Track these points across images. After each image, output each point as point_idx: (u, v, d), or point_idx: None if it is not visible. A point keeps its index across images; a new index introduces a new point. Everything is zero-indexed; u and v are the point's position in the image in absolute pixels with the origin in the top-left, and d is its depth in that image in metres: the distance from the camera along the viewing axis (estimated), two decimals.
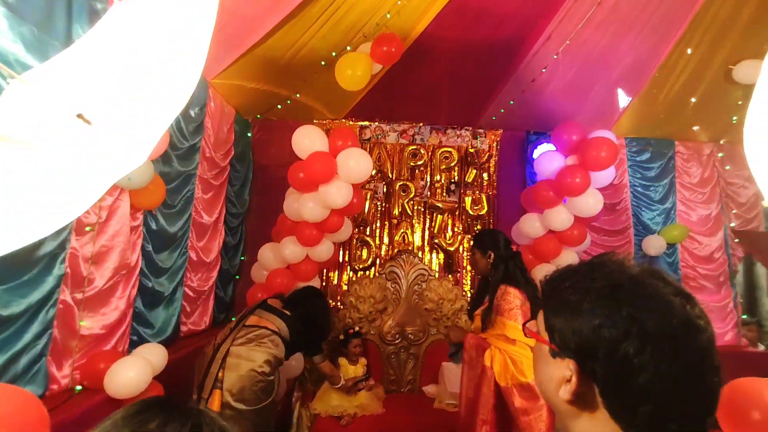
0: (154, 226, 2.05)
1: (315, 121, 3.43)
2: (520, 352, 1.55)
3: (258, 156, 3.45)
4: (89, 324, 1.65)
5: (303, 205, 2.29)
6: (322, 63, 2.80)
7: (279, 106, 3.21)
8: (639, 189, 3.50)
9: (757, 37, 2.67)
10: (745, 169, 3.55)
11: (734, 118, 3.16)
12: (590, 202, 2.49)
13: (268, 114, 3.38)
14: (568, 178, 2.42)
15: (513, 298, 1.63)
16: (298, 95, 3.08)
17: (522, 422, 1.50)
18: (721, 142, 3.56)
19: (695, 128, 3.48)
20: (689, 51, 2.79)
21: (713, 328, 0.46)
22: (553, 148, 2.82)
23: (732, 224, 3.48)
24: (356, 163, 2.25)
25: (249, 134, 3.36)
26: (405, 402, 2.63)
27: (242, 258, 3.33)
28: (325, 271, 3.29)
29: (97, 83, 0.83)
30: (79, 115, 0.65)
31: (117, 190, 1.71)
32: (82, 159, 0.69)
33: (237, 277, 3.28)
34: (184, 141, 2.25)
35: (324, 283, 3.28)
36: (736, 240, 3.45)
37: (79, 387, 1.60)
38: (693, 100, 3.21)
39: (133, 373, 1.52)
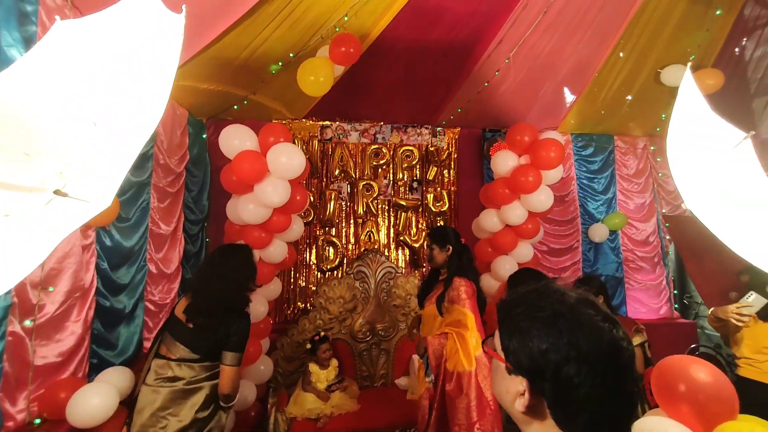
0: (108, 242, 1.94)
1: (274, 120, 3.36)
2: (469, 339, 1.72)
3: (215, 158, 3.32)
4: (43, 353, 1.56)
5: (243, 208, 2.25)
6: (279, 64, 2.74)
7: (236, 107, 3.10)
8: (584, 181, 3.79)
9: (681, 45, 2.97)
10: None
11: (663, 115, 3.50)
12: (542, 199, 2.68)
13: (224, 114, 3.26)
14: (522, 177, 2.58)
15: (467, 289, 1.83)
16: (255, 95, 2.99)
17: (448, 404, 1.67)
18: (651, 134, 3.93)
19: (631, 124, 3.82)
20: (621, 54, 3.04)
21: (633, 347, 0.57)
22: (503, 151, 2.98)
23: (663, 210, 3.88)
24: (288, 159, 2.21)
25: (204, 136, 3.22)
26: (379, 396, 2.72)
27: None
28: (292, 272, 3.27)
29: (55, 117, 0.79)
30: (57, 191, 0.63)
31: None
32: (43, 207, 0.67)
33: None
34: None
35: (291, 286, 3.27)
36: (667, 224, 3.85)
37: (38, 420, 1.51)
38: (629, 98, 3.51)
39: (97, 400, 1.46)
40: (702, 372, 1.22)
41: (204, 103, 3.02)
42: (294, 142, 3.17)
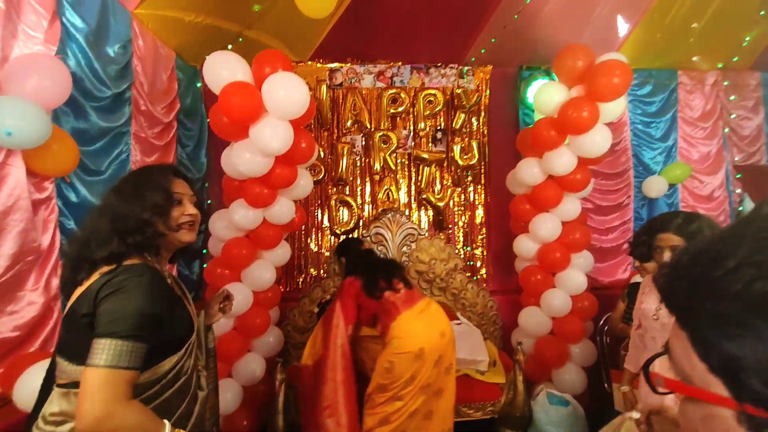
0: (73, 197, 1.63)
1: None
2: None
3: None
4: None
5: (238, 157, 1.88)
6: None
7: (230, 47, 2.67)
8: (639, 126, 3.22)
9: None
10: (749, 99, 3.30)
11: (747, 38, 2.84)
12: (597, 140, 2.18)
13: None
14: (574, 113, 2.09)
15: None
16: (250, 30, 2.56)
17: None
18: (725, 67, 3.26)
19: (694, 59, 3.16)
20: None
21: None
22: (549, 82, 2.46)
23: (736, 159, 3.28)
24: (287, 92, 1.79)
25: (198, 84, 2.84)
26: None
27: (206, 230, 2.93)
28: (303, 236, 2.95)
29: None
30: None
31: (1, 152, 1.27)
32: None
33: (204, 251, 2.91)
34: (104, 88, 1.77)
35: (303, 252, 2.96)
36: (738, 176, 3.27)
37: None
38: (694, 25, 2.88)
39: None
40: None
41: (193, 43, 2.60)
42: None
